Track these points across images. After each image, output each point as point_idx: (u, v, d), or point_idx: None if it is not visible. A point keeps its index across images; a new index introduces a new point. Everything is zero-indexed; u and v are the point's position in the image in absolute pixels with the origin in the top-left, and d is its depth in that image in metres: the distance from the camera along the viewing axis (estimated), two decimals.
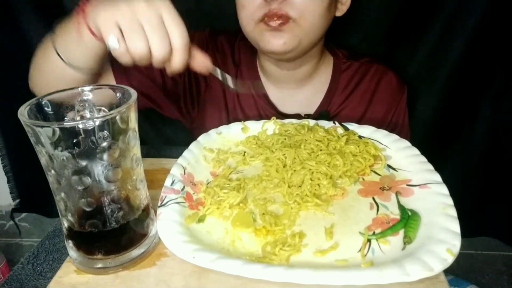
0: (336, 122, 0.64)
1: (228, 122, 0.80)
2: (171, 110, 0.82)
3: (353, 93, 0.80)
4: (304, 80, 0.80)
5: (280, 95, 0.81)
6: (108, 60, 0.66)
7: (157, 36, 0.47)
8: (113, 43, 0.47)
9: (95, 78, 0.63)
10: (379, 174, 0.54)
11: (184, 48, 0.48)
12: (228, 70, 0.81)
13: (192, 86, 0.81)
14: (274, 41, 0.67)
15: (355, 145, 0.57)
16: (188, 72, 0.78)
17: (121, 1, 0.47)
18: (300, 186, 0.51)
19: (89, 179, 0.38)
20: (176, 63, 0.49)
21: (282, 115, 0.80)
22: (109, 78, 0.70)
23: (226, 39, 0.83)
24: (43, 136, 0.36)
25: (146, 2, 0.47)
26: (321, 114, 0.79)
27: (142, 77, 0.74)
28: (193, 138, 0.62)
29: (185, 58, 0.49)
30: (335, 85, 0.81)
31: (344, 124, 0.63)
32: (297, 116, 0.79)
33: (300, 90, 0.81)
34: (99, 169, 0.38)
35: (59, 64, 0.57)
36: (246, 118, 0.81)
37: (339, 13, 0.73)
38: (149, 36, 0.47)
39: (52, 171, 0.38)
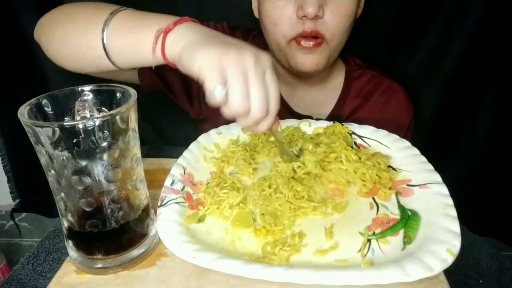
0: (335, 122, 0.64)
1: None
2: (181, 95, 0.80)
3: (364, 105, 0.81)
4: (316, 84, 0.80)
5: (290, 94, 0.81)
6: None
7: (261, 98, 0.43)
8: (219, 94, 0.42)
9: None
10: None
11: (276, 114, 0.46)
12: None
13: None
14: (306, 62, 0.68)
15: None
16: None
17: (229, 44, 0.43)
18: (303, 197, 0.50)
19: (89, 179, 0.38)
20: (265, 127, 0.46)
21: (293, 114, 0.80)
22: None
23: (241, 35, 0.82)
24: (43, 136, 0.36)
25: (256, 56, 0.43)
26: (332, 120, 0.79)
27: None
28: (196, 129, 0.61)
29: (273, 123, 0.47)
30: (347, 92, 0.81)
31: (344, 124, 0.63)
32: (309, 118, 0.79)
33: (310, 92, 0.81)
34: (99, 169, 0.38)
35: (97, 52, 0.52)
36: None
37: (356, 17, 0.74)
38: (253, 96, 0.43)
39: (52, 171, 0.38)
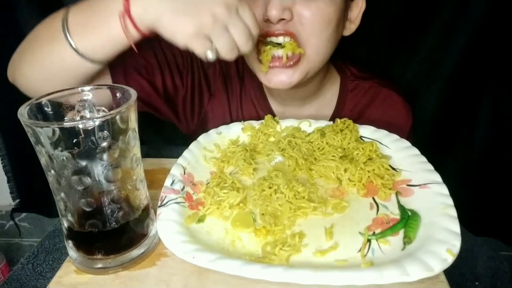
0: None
1: None
2: (168, 115, 0.79)
3: (361, 118, 0.78)
4: (308, 98, 0.77)
5: (284, 111, 0.78)
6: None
7: (243, 36, 0.49)
8: (211, 56, 0.49)
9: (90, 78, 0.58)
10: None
11: (257, 34, 0.51)
12: (231, 81, 0.79)
13: (195, 98, 0.77)
14: (275, 79, 0.64)
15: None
16: (192, 84, 0.76)
17: (199, 5, 0.46)
18: (303, 197, 0.50)
19: (89, 179, 0.38)
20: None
21: None
22: (106, 79, 0.65)
23: None
24: (43, 136, 0.36)
25: (224, 4, 0.47)
26: None
27: (141, 80, 0.70)
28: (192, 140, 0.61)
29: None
30: (342, 105, 0.78)
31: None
32: None
33: (304, 108, 0.78)
34: (99, 169, 0.38)
35: (66, 54, 0.52)
36: None
37: (347, 32, 0.70)
38: (237, 38, 0.49)
39: (52, 171, 0.38)
